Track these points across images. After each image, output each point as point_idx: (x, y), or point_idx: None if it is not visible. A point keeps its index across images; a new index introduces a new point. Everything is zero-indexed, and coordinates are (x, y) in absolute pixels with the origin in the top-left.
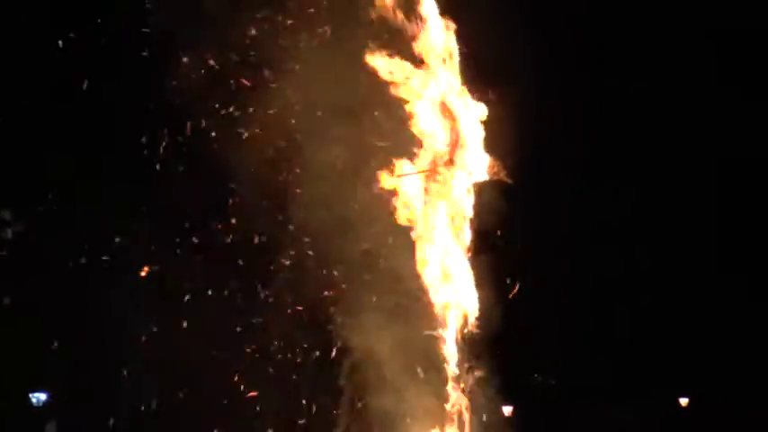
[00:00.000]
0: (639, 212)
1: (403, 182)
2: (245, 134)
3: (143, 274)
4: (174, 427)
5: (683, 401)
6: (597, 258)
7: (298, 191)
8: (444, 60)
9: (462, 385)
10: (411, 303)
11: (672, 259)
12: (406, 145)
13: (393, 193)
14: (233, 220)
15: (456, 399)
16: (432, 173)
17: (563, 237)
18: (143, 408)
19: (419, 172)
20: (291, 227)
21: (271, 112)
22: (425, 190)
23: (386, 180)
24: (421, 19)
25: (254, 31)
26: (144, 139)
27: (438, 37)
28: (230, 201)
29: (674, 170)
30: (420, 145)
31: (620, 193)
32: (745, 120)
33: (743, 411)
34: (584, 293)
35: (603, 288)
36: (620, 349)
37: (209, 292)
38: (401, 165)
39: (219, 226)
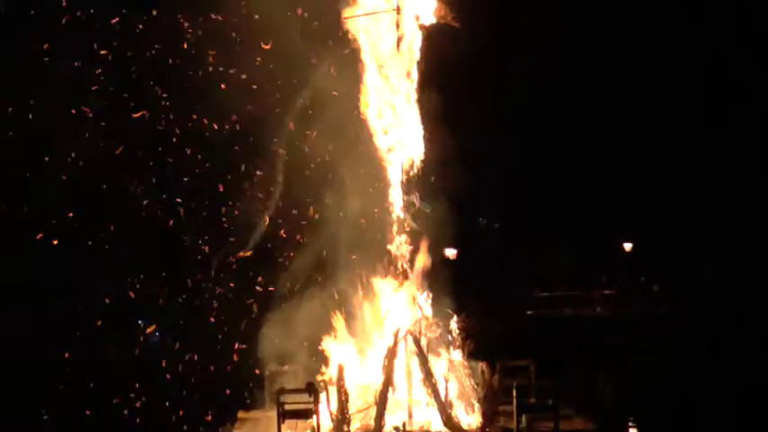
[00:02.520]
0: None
1: (350, 24)
2: None
3: None
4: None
5: (627, 246)
6: (545, 105)
7: None
8: None
9: (407, 228)
10: (356, 148)
11: (617, 110)
12: None
13: (339, 36)
14: None
15: (399, 241)
16: (379, 15)
17: (511, 82)
18: None
19: (365, 14)
20: None
21: None
22: (372, 33)
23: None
24: None
25: None
26: None
27: None
28: None
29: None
30: None
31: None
32: None
33: (683, 257)
34: (533, 140)
35: (551, 135)
36: (566, 195)
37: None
38: (348, 8)
39: None
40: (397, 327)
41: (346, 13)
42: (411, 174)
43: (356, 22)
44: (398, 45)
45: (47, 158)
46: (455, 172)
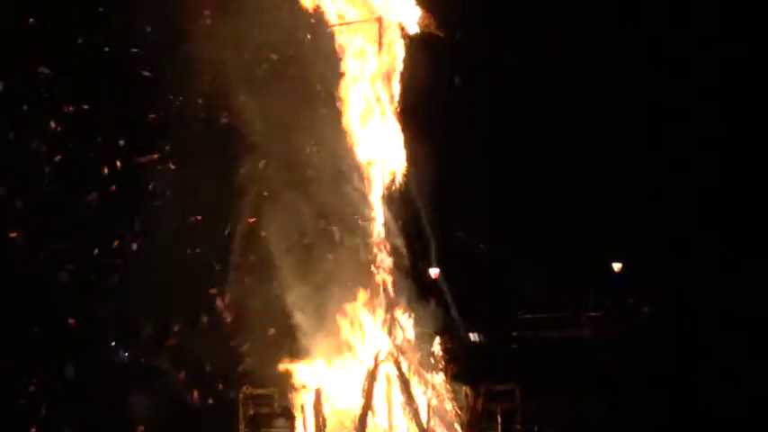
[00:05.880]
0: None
1: (332, 34)
2: None
3: None
4: None
5: (617, 266)
6: (531, 118)
7: None
8: None
9: (387, 246)
10: (335, 163)
11: (604, 128)
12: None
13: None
14: None
15: (381, 260)
16: (361, 24)
17: (493, 94)
18: None
19: (349, 23)
20: None
21: None
22: (353, 44)
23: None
24: None
25: None
26: None
27: None
28: None
29: None
30: None
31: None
32: None
33: (672, 276)
34: (517, 156)
35: (537, 152)
36: (553, 215)
37: None
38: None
39: None
40: (377, 349)
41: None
42: (392, 188)
43: (339, 34)
44: (380, 51)
45: None
46: (439, 188)
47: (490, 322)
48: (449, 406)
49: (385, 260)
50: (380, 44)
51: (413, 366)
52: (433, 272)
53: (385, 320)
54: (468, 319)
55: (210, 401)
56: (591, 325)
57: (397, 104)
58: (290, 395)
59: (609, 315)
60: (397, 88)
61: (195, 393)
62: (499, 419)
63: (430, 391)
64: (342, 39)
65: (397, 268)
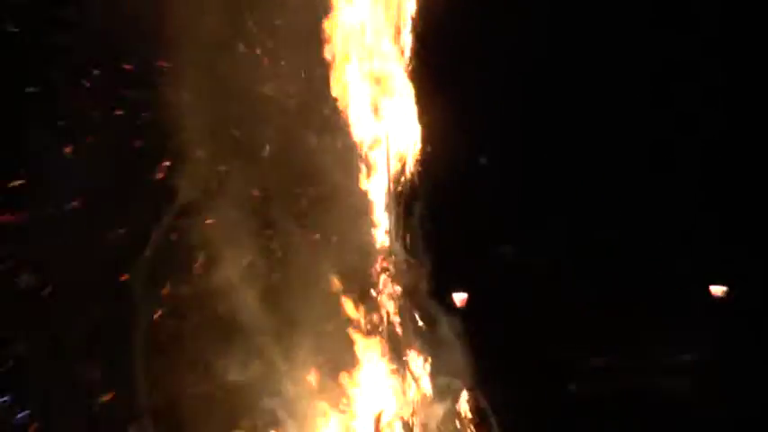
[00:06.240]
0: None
1: None
2: None
3: None
4: None
5: (718, 290)
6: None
7: None
8: None
9: (394, 260)
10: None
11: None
12: None
13: None
14: None
15: (384, 282)
16: None
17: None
18: None
19: None
20: None
21: None
22: None
23: None
24: None
25: None
26: None
27: None
28: None
29: None
30: None
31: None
32: None
33: None
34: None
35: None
36: (627, 221)
37: None
38: None
39: None
40: (379, 407)
41: None
42: (403, 179)
43: None
44: None
45: None
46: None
47: (539, 370)
48: None
49: (390, 282)
50: None
51: (429, 430)
52: (459, 297)
53: (391, 367)
54: (501, 366)
55: None
56: (685, 374)
57: (408, 61)
58: None
59: (710, 359)
60: (408, 40)
61: None
62: None
63: None
64: None
65: (408, 293)
